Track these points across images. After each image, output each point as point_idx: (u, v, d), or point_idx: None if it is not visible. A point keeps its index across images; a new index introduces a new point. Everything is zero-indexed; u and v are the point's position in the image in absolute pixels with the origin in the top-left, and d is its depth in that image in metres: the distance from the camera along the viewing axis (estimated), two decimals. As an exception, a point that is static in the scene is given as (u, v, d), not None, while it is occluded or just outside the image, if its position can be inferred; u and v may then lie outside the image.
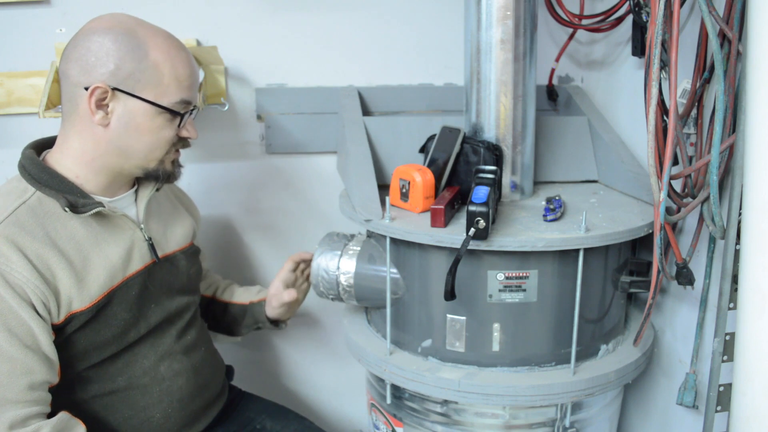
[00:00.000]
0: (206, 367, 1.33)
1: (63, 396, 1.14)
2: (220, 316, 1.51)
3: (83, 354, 1.16)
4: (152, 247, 1.25)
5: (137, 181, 1.28)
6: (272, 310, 1.45)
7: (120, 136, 1.16)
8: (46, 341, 1.08)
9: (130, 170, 1.21)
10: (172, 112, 1.17)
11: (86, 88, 1.12)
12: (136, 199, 1.27)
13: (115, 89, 1.13)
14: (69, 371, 1.15)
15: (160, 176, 1.22)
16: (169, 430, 1.25)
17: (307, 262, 1.47)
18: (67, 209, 1.12)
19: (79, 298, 1.12)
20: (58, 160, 1.18)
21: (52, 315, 1.10)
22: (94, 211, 1.15)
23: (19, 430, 1.04)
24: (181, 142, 1.23)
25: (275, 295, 1.43)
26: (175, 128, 1.19)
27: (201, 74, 1.54)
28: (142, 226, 1.25)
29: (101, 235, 1.18)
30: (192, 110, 1.21)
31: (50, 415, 1.09)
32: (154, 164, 1.20)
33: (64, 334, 1.13)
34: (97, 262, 1.15)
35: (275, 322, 1.49)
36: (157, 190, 1.30)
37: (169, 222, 1.35)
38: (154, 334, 1.24)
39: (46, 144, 1.24)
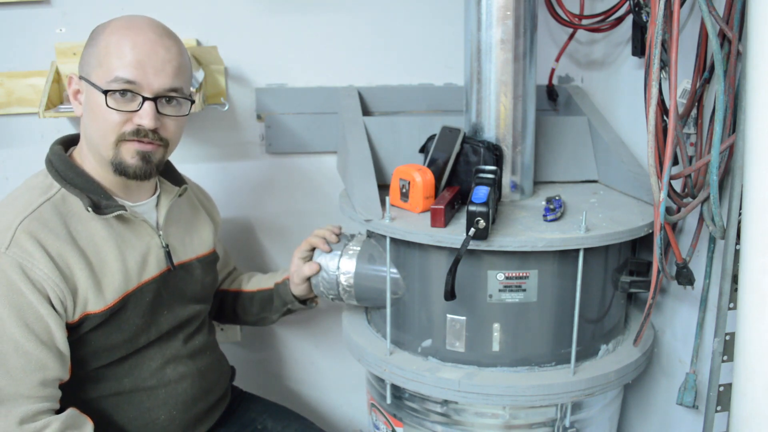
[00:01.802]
0: (212, 371, 1.34)
1: (70, 394, 1.14)
2: (249, 307, 1.51)
3: (93, 355, 1.16)
4: (168, 254, 1.26)
5: (159, 187, 1.29)
6: (296, 287, 1.42)
7: (85, 125, 1.18)
8: (61, 338, 1.09)
9: (108, 166, 1.16)
10: (102, 91, 1.11)
11: None
12: (157, 205, 1.27)
13: (81, 78, 1.16)
14: (78, 370, 1.15)
15: (117, 168, 1.15)
16: (174, 431, 1.25)
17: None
18: (90, 209, 1.13)
19: (94, 300, 1.13)
20: (80, 155, 1.21)
21: (68, 313, 1.11)
22: (115, 213, 1.16)
23: (29, 424, 1.04)
24: (136, 134, 1.13)
25: (296, 272, 1.39)
26: (121, 113, 1.12)
27: (201, 74, 1.54)
28: (161, 232, 1.25)
29: (120, 238, 1.18)
30: (155, 98, 1.13)
31: (58, 412, 1.09)
32: (110, 154, 1.14)
33: (77, 333, 1.13)
34: (113, 266, 1.16)
35: (304, 302, 1.47)
36: (180, 195, 1.30)
37: (189, 229, 1.35)
38: (162, 338, 1.24)
39: (73, 140, 1.25)
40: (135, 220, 1.21)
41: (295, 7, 1.62)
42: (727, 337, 1.12)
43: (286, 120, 1.67)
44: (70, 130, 1.62)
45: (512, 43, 1.27)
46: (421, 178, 1.25)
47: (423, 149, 1.40)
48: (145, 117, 1.12)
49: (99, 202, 1.15)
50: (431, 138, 1.38)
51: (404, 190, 1.27)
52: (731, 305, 1.09)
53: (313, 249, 1.38)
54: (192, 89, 1.45)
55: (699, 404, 1.27)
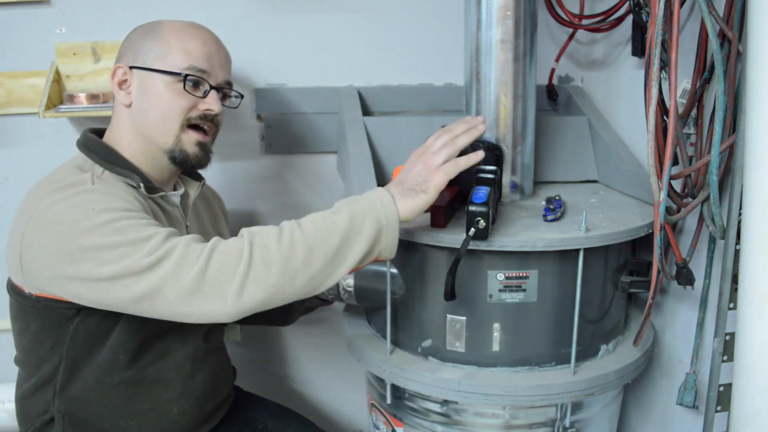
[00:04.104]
0: (221, 370, 1.35)
1: (98, 376, 1.16)
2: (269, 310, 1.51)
3: (141, 325, 1.15)
4: None
5: (182, 183, 1.33)
6: None
7: (139, 112, 1.20)
8: None
9: (157, 155, 1.21)
10: (178, 76, 1.17)
11: None
12: (182, 200, 1.30)
13: (132, 67, 1.21)
14: (123, 346, 1.16)
15: (177, 157, 1.20)
16: (183, 427, 1.25)
17: None
18: (141, 185, 1.16)
19: None
20: (115, 143, 1.22)
21: None
22: (161, 194, 1.20)
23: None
24: (202, 118, 1.21)
25: None
26: (191, 98, 1.19)
27: None
28: (188, 223, 1.29)
29: (160, 220, 1.20)
30: (217, 88, 1.22)
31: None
32: (171, 141, 1.19)
33: None
34: None
35: (324, 300, 1.48)
36: (202, 186, 1.35)
37: (208, 225, 1.39)
38: (186, 332, 1.24)
39: (99, 133, 1.27)
40: (171, 207, 1.24)
41: (295, 7, 1.62)
42: (727, 337, 1.12)
43: (286, 120, 1.67)
44: (70, 130, 1.62)
45: (512, 43, 1.27)
46: (421, 178, 1.25)
47: (423, 149, 1.40)
48: (214, 103, 1.22)
49: (145, 182, 1.18)
50: (431, 138, 1.38)
51: (404, 190, 1.27)
52: (731, 305, 1.09)
53: None
54: None
55: (699, 404, 1.28)
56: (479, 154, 1.15)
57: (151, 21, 1.25)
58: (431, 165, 1.09)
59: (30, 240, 1.07)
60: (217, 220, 1.46)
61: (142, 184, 1.17)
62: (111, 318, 1.13)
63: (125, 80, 1.21)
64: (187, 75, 1.18)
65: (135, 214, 1.06)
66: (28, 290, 1.12)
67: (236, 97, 1.30)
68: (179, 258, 0.98)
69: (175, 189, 1.31)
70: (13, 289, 1.17)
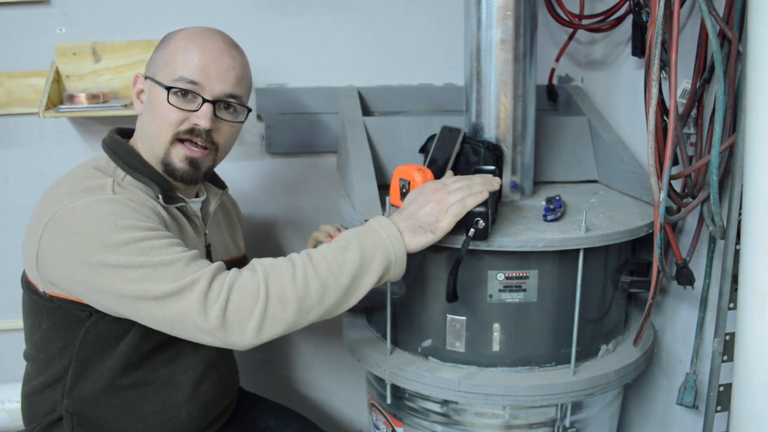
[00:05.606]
0: (228, 375, 1.35)
1: (105, 377, 1.15)
2: None
3: (154, 330, 1.13)
4: (209, 254, 1.28)
5: (205, 190, 1.32)
6: None
7: (144, 122, 1.20)
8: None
9: (158, 164, 1.19)
10: (166, 87, 1.15)
11: None
12: (202, 207, 1.30)
13: (146, 77, 1.21)
14: (136, 350, 1.15)
15: (167, 169, 1.18)
16: (189, 431, 1.25)
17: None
18: (159, 196, 1.15)
19: None
20: (137, 148, 1.22)
21: None
22: (180, 204, 1.19)
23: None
24: (190, 132, 1.16)
25: None
26: (180, 111, 1.15)
27: None
28: (207, 231, 1.28)
29: (179, 229, 1.20)
30: (214, 101, 1.17)
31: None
32: (161, 152, 1.17)
33: None
34: None
35: None
36: (223, 195, 1.35)
37: (226, 232, 1.39)
38: None
39: (123, 133, 1.26)
40: (191, 215, 1.24)
41: (295, 7, 1.62)
42: (727, 337, 1.12)
43: (286, 120, 1.67)
44: (70, 130, 1.62)
45: (512, 43, 1.27)
46: (421, 178, 1.25)
47: (423, 149, 1.40)
48: (203, 117, 1.16)
49: (165, 192, 1.17)
50: (431, 138, 1.38)
51: (404, 190, 1.27)
52: (731, 305, 1.09)
53: (316, 244, 1.38)
54: None
55: (699, 404, 1.28)
56: (484, 195, 1.13)
57: (179, 29, 1.23)
58: (443, 205, 1.10)
59: (48, 242, 1.07)
60: (234, 229, 1.46)
61: (160, 195, 1.16)
62: (124, 323, 1.12)
63: (143, 90, 1.21)
64: (170, 87, 1.14)
65: (156, 233, 1.06)
66: (42, 288, 1.12)
67: (241, 111, 1.23)
68: (202, 294, 1.01)
69: (197, 196, 1.31)
70: (27, 285, 1.17)
